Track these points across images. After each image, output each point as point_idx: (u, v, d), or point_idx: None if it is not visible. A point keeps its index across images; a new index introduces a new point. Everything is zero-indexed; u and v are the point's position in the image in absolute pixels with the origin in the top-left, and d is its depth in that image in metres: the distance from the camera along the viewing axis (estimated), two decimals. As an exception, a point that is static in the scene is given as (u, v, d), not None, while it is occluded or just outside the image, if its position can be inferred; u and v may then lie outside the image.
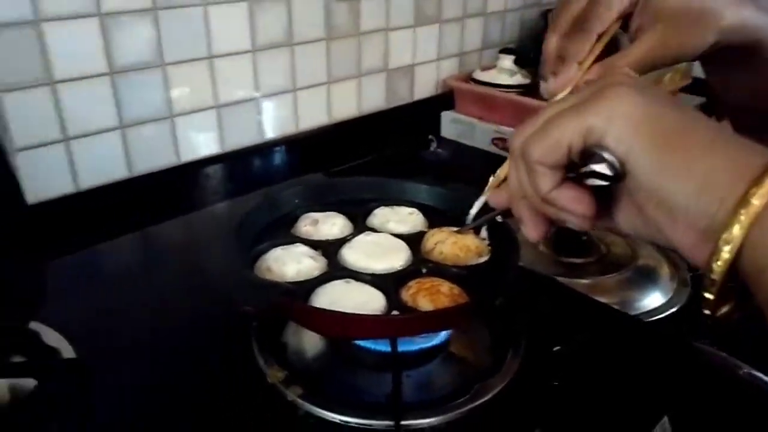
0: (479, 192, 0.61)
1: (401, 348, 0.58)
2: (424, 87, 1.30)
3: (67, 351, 0.58)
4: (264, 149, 1.07)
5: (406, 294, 0.57)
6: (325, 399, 0.55)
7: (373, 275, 0.59)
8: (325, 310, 0.52)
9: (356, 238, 0.63)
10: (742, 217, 0.29)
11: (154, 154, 0.94)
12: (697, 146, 0.31)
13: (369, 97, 1.20)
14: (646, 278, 0.89)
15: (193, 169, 0.99)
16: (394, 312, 0.54)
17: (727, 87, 0.54)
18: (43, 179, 0.84)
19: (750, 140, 0.32)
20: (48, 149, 0.84)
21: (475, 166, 1.22)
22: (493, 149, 1.24)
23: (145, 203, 0.92)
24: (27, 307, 0.51)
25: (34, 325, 0.60)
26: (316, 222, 0.65)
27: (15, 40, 0.77)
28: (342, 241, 0.63)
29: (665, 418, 0.59)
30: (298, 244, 0.62)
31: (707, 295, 0.31)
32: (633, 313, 0.82)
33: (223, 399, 0.57)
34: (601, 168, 0.33)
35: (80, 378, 0.52)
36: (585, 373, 0.61)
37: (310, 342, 0.62)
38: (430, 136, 1.23)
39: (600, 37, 0.47)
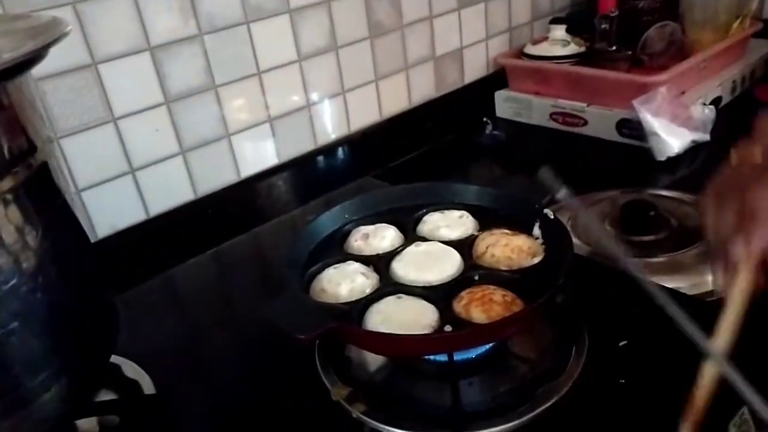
0: (532, 188, 0.59)
1: (459, 357, 0.59)
2: (475, 69, 1.28)
3: (146, 382, 0.62)
4: (319, 154, 1.09)
5: (459, 305, 0.57)
6: (388, 414, 0.57)
7: (424, 288, 0.60)
8: (376, 332, 0.53)
9: (406, 250, 0.64)
10: None
11: (215, 174, 0.98)
12: None
13: (418, 87, 1.19)
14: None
15: (253, 184, 1.02)
16: (447, 327, 0.54)
17: None
18: (115, 211, 0.89)
19: None
20: (117, 182, 0.89)
21: (536, 144, 1.19)
22: (553, 124, 1.20)
23: (211, 222, 0.96)
24: (105, 344, 0.54)
25: (115, 359, 0.65)
26: (366, 236, 0.66)
27: (75, 85, 0.82)
28: (393, 254, 0.64)
29: (744, 409, 0.57)
30: (350, 261, 0.63)
31: None
32: (711, 289, 0.78)
33: (290, 419, 0.59)
34: None
35: (158, 411, 0.56)
36: (653, 369, 0.60)
37: (372, 355, 0.64)
38: (485, 119, 1.21)
39: None
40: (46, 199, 0.47)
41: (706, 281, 0.79)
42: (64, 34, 0.45)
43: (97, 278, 0.55)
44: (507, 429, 0.55)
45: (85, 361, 0.51)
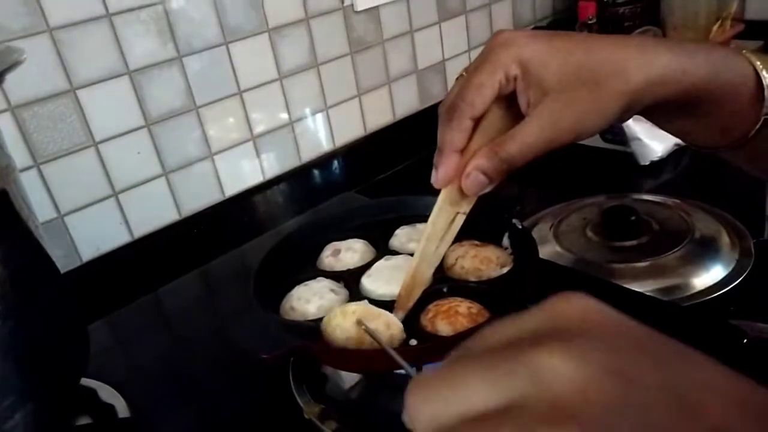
0: (499, 197, 0.59)
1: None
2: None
3: (121, 406, 0.63)
4: (304, 170, 1.10)
5: (425, 318, 0.57)
6: (360, 430, 0.56)
7: (393, 301, 0.59)
8: (341, 349, 0.53)
9: (375, 265, 0.64)
10: None
11: (199, 194, 0.99)
12: None
13: (402, 101, 1.20)
14: (706, 250, 0.84)
15: (238, 202, 1.03)
16: (412, 340, 0.54)
17: (685, 132, 0.47)
18: (99, 234, 0.90)
19: None
20: (100, 206, 0.90)
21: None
22: (538, 133, 1.20)
23: (197, 242, 0.97)
24: (73, 369, 0.55)
25: (91, 383, 0.65)
26: (337, 252, 0.66)
27: (54, 111, 0.83)
28: (363, 269, 0.64)
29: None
30: (319, 278, 0.63)
31: None
32: (694, 291, 0.78)
33: (264, 438, 0.59)
34: None
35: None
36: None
37: (346, 372, 0.63)
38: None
39: (479, 120, 0.43)
40: (4, 226, 0.48)
41: (688, 284, 0.79)
42: (18, 63, 0.46)
43: (65, 304, 0.56)
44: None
45: (51, 386, 0.51)
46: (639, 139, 1.02)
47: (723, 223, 0.88)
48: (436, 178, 0.45)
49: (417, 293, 0.56)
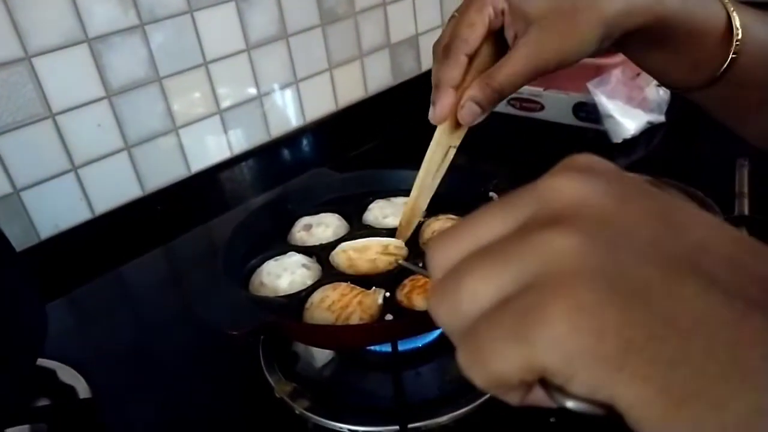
0: (476, 171, 0.59)
1: (406, 346, 0.57)
2: (431, 56, 1.26)
3: (82, 386, 0.60)
4: (274, 146, 1.06)
5: (401, 293, 0.55)
6: (333, 409, 0.55)
7: (368, 275, 0.58)
8: (314, 325, 0.51)
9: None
10: None
11: (164, 170, 0.95)
12: (720, 378, 0.18)
13: (375, 76, 1.17)
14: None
15: (205, 178, 0.99)
16: (388, 315, 0.53)
17: (658, 68, 0.49)
18: (58, 210, 0.86)
19: None
20: (58, 181, 0.85)
21: (494, 130, 1.17)
22: (511, 110, 1.19)
23: (161, 219, 0.93)
24: (28, 349, 0.52)
25: (51, 364, 0.62)
26: (309, 227, 0.64)
27: (8, 80, 0.78)
28: (336, 244, 0.62)
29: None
30: (291, 253, 0.61)
31: None
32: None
33: (234, 418, 0.57)
34: (578, 407, 0.21)
35: (91, 416, 0.53)
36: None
37: (318, 350, 0.62)
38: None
39: (472, 58, 0.46)
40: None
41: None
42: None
43: (19, 282, 0.52)
44: (454, 417, 0.53)
45: (4, 367, 0.48)
46: (612, 117, 1.01)
47: (694, 200, 0.88)
48: (434, 114, 0.48)
49: (415, 223, 0.61)
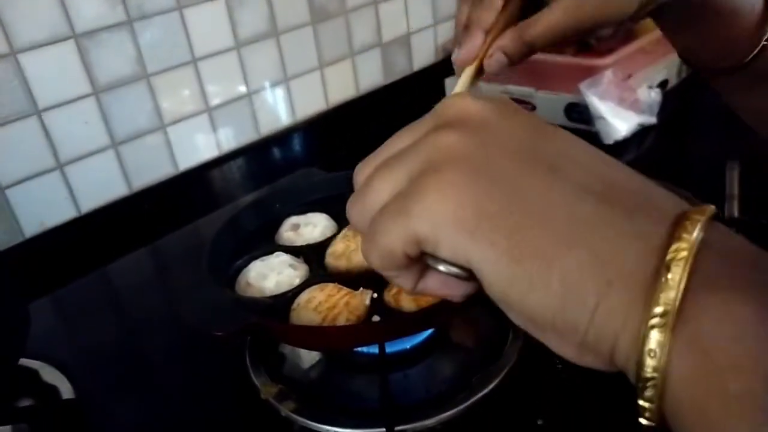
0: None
1: (393, 348, 0.57)
2: (423, 55, 1.26)
3: (66, 387, 0.59)
4: (263, 145, 1.05)
5: (389, 295, 0.54)
6: (319, 411, 0.54)
7: (357, 275, 0.57)
8: (300, 326, 0.50)
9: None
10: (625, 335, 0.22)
11: (151, 168, 0.94)
12: (552, 241, 0.23)
13: (366, 75, 1.17)
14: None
15: (193, 176, 0.98)
16: (375, 317, 0.52)
17: (691, 46, 0.49)
18: (44, 208, 0.85)
19: (648, 193, 0.25)
20: (43, 178, 0.84)
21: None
22: (503, 111, 1.19)
23: (148, 218, 0.92)
24: (9, 349, 0.51)
25: (33, 364, 0.61)
26: (297, 226, 0.63)
27: (-7, 76, 0.77)
28: (324, 244, 0.61)
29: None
30: (278, 253, 0.60)
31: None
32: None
33: (219, 419, 0.57)
34: (450, 271, 0.26)
35: (74, 418, 0.52)
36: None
37: (305, 351, 0.61)
38: (434, 106, 1.19)
39: (506, 3, 0.44)
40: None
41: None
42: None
43: (0, 281, 0.51)
44: (442, 420, 0.53)
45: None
46: (603, 119, 1.01)
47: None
48: (459, 55, 0.46)
49: None
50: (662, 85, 1.13)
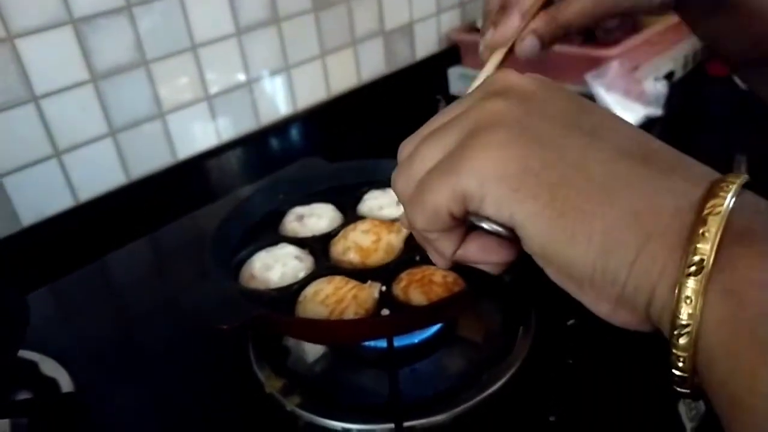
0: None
1: (401, 342, 0.56)
2: (426, 44, 1.24)
3: (65, 379, 0.57)
4: (263, 134, 1.04)
5: (398, 288, 0.53)
6: (325, 406, 0.53)
7: (363, 269, 0.56)
8: (306, 319, 0.49)
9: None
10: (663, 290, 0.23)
11: (149, 156, 0.92)
12: (592, 196, 0.24)
13: (368, 63, 1.15)
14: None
15: (192, 165, 0.97)
16: (384, 310, 0.51)
17: (715, 38, 0.48)
18: (41, 197, 0.83)
19: (682, 160, 0.26)
20: (41, 167, 0.83)
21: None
22: (506, 101, 1.17)
23: (146, 207, 0.91)
24: (7, 340, 0.50)
25: (32, 356, 0.60)
26: (301, 217, 0.62)
27: (-11, 62, 0.75)
28: (330, 236, 0.60)
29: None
30: (283, 244, 0.59)
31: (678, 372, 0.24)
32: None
33: (221, 413, 0.55)
34: (493, 228, 0.28)
35: (74, 411, 0.51)
36: (602, 348, 0.57)
37: (310, 345, 0.60)
38: (438, 96, 1.18)
39: None
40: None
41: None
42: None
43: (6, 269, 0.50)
44: (451, 416, 0.52)
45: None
46: (610, 109, 1.00)
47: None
48: (494, 37, 0.44)
49: None
50: (668, 76, 1.12)
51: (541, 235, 0.25)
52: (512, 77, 0.30)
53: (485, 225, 0.28)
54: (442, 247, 0.31)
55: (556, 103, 0.28)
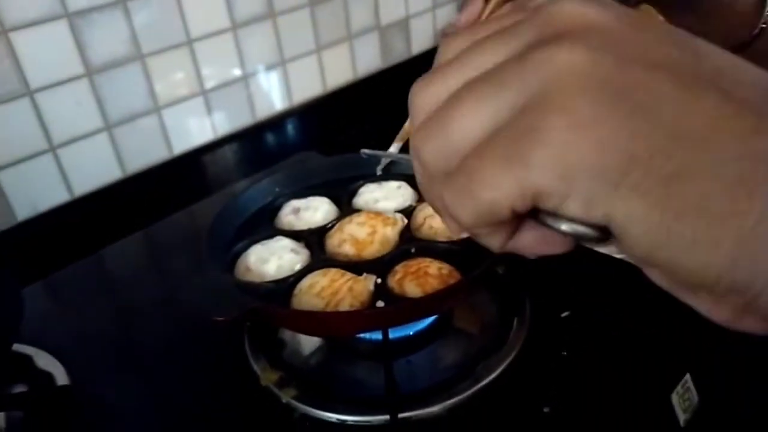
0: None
1: (396, 334, 0.56)
2: (422, 40, 1.24)
3: (60, 373, 0.58)
4: (259, 128, 1.04)
5: (393, 280, 0.53)
6: (321, 398, 0.53)
7: (358, 262, 0.56)
8: (302, 311, 0.49)
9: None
10: None
11: (145, 151, 0.92)
12: (724, 192, 0.18)
13: (364, 58, 1.15)
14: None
15: (187, 160, 0.96)
16: (379, 302, 0.51)
17: (691, 30, 0.49)
18: (36, 191, 0.83)
19: None
20: (36, 161, 0.82)
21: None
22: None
23: (142, 201, 0.90)
24: (2, 333, 0.50)
25: (28, 349, 0.60)
26: (297, 210, 0.62)
27: (-18, 55, 0.75)
28: (326, 229, 0.60)
29: (687, 377, 0.55)
30: (279, 237, 0.59)
31: None
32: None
33: (216, 406, 0.56)
34: (576, 231, 0.21)
35: (69, 404, 0.51)
36: (596, 340, 0.57)
37: (306, 337, 0.60)
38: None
39: None
40: None
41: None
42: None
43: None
44: (446, 407, 0.52)
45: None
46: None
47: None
48: (461, 20, 0.46)
49: None
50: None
51: (650, 240, 0.19)
52: (583, 9, 0.21)
53: (564, 227, 0.21)
54: (489, 241, 0.23)
55: (657, 47, 0.20)
